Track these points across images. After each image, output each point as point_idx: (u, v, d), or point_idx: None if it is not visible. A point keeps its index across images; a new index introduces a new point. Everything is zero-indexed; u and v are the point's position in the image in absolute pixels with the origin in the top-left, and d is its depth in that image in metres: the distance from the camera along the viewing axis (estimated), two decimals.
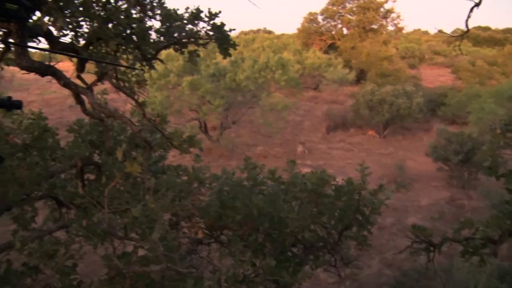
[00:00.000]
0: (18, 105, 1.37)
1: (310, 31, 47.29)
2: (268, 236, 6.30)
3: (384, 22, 45.06)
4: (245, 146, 23.53)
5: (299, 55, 38.09)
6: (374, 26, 44.34)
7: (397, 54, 42.50)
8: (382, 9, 44.21)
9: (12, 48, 4.08)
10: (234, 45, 5.20)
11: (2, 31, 4.06)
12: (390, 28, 46.09)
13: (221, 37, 5.14)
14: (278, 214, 6.03)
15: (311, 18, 47.93)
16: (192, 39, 5.33)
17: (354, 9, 44.95)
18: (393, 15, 44.70)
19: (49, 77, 4.10)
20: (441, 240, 5.50)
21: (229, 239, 6.31)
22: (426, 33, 74.56)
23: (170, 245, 4.00)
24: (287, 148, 23.80)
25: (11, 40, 3.44)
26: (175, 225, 6.01)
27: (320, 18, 47.65)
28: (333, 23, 47.33)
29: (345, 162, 21.67)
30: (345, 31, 46.48)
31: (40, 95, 29.17)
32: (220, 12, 5.30)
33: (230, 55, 5.26)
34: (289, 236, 6.14)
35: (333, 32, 46.91)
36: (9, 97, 1.36)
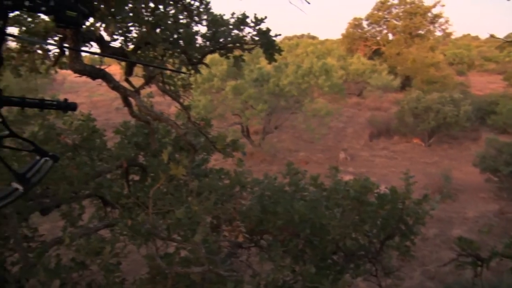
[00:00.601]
0: (73, 107, 1.42)
1: (355, 37, 46.74)
2: (308, 243, 6.25)
3: (431, 27, 43.89)
4: (287, 152, 23.48)
5: (343, 61, 37.71)
6: (421, 32, 43.27)
7: (444, 61, 41.35)
8: (429, 14, 43.09)
9: (67, 53, 4.25)
10: (279, 51, 5.22)
11: (58, 36, 4.24)
12: (438, 33, 44.88)
13: (266, 43, 5.16)
14: (320, 220, 5.97)
15: (356, 24, 47.38)
16: (238, 44, 5.38)
17: (401, 14, 44.07)
18: (441, 20, 43.52)
19: (100, 80, 4.24)
20: (490, 255, 5.28)
21: (269, 244, 6.30)
22: (476, 38, 72.09)
23: (212, 248, 4.04)
24: (329, 154, 23.57)
25: (66, 45, 3.58)
26: (216, 228, 6.06)
27: (365, 23, 47.05)
28: (378, 29, 46.60)
29: (387, 170, 21.25)
30: (390, 36, 45.65)
31: (88, 97, 30.17)
32: (266, 17, 5.33)
33: (275, 60, 5.28)
34: (330, 243, 6.07)
35: (378, 38, 46.17)
36: (66, 99, 1.41)
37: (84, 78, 4.54)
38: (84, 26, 3.97)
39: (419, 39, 42.41)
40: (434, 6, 42.77)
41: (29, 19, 4.40)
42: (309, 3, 3.72)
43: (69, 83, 31.38)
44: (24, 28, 4.24)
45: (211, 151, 6.24)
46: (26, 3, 1.29)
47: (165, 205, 3.80)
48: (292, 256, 5.90)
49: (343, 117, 29.27)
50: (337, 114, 26.29)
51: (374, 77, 35.75)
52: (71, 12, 1.36)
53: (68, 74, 5.66)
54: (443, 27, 44.27)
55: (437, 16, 43.26)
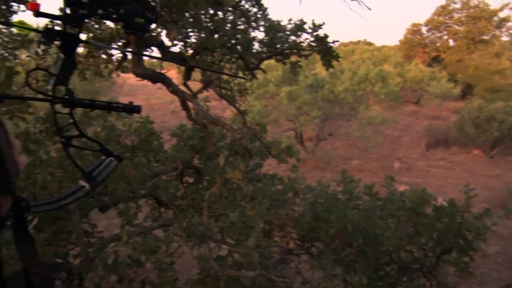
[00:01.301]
0: (137, 109, 1.47)
1: (413, 43, 45.45)
2: (361, 253, 6.13)
3: (497, 32, 41.87)
4: (340, 159, 23.17)
5: (400, 68, 36.80)
6: (485, 37, 41.40)
7: (511, 68, 39.42)
8: (495, 18, 41.12)
9: (129, 57, 4.42)
10: (337, 57, 5.18)
11: (121, 42, 4.43)
12: (505, 38, 42.75)
13: (324, 49, 5.14)
14: (373, 230, 5.85)
15: (414, 30, 46.09)
16: (295, 50, 5.39)
17: (463, 19, 42.41)
18: (509, 24, 41.39)
19: (159, 83, 4.37)
20: None
21: (320, 251, 6.24)
22: None
23: (264, 253, 4.05)
24: (383, 163, 23.04)
25: (130, 50, 3.72)
26: (268, 233, 6.07)
27: (424, 29, 45.63)
28: (438, 35, 45.04)
29: (445, 181, 20.48)
30: (451, 42, 44.05)
31: (146, 100, 31.13)
32: (323, 24, 5.31)
33: (332, 67, 5.24)
34: (384, 254, 5.93)
35: (438, 44, 44.67)
36: (131, 102, 1.46)
37: (142, 81, 4.70)
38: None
39: (483, 45, 40.59)
40: (501, 9, 40.77)
41: (96, 26, 4.63)
42: (370, 9, 3.68)
43: (128, 86, 32.52)
44: (91, 35, 4.46)
45: (265, 156, 6.27)
46: (100, 11, 1.35)
47: (219, 208, 3.85)
48: (343, 265, 5.81)
49: (399, 126, 28.52)
50: (393, 122, 25.67)
51: (433, 84, 34.58)
52: (139, 19, 1.42)
53: (127, 78, 5.90)
54: (511, 31, 42.15)
55: (505, 20, 41.16)
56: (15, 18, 3.42)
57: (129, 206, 5.90)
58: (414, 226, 6.00)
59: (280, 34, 5.58)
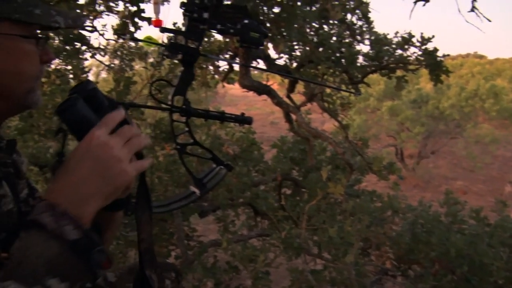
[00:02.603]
0: (249, 121, 1.52)
1: None
2: (464, 281, 5.72)
3: None
4: (443, 179, 21.91)
5: None
6: None
7: None
8: None
9: (235, 69, 4.58)
10: (447, 72, 4.93)
11: (229, 54, 4.61)
12: None
13: (433, 63, 4.92)
14: (480, 259, 5.43)
15: None
16: (401, 64, 5.23)
17: None
18: None
19: (264, 95, 4.47)
20: None
21: (417, 275, 5.93)
22: None
23: (361, 271, 3.95)
24: (492, 186, 21.38)
25: (237, 61, 3.86)
26: (364, 251, 5.91)
27: None
28: None
29: None
30: None
31: (246, 111, 31.82)
32: (433, 36, 5.09)
33: (441, 82, 5.00)
34: (492, 286, 5.48)
35: None
36: (242, 114, 1.51)
37: (243, 92, 4.83)
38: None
39: None
40: None
41: (205, 39, 4.87)
42: (490, 20, 3.46)
43: (229, 97, 33.62)
44: (200, 47, 4.68)
45: (365, 172, 6.13)
46: (218, 27, 1.43)
47: (317, 221, 3.83)
48: None
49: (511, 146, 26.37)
50: (505, 141, 23.77)
51: None
52: (254, 33, 1.47)
53: (229, 88, 6.14)
54: None
55: None
56: (138, 34, 3.72)
57: (227, 214, 6.08)
58: None
59: (386, 48, 5.45)
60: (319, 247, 3.83)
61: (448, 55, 5.22)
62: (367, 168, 5.44)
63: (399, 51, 5.43)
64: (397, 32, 5.48)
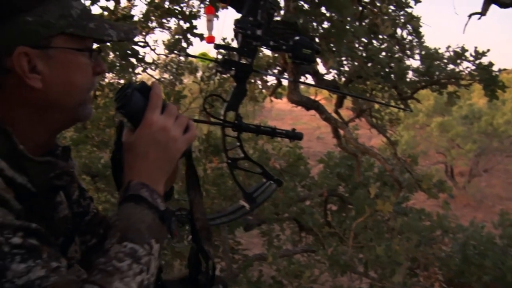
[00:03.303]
0: (300, 136, 1.52)
1: None
2: None
3: None
4: (497, 198, 20.99)
5: None
6: None
7: None
8: None
9: (284, 84, 4.61)
10: (503, 87, 4.75)
11: (277, 69, 4.65)
12: None
13: (488, 78, 4.76)
14: None
15: None
16: (453, 80, 5.09)
17: None
18: None
19: (313, 111, 4.46)
20: None
21: None
22: None
23: None
24: None
25: (286, 77, 3.88)
26: (412, 271, 5.74)
27: None
28: None
29: None
30: None
31: (292, 125, 31.49)
32: (488, 50, 4.94)
33: (497, 98, 4.82)
34: None
35: None
36: (293, 129, 1.52)
37: (289, 106, 4.84)
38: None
39: None
40: None
41: None
42: None
43: (276, 111, 33.67)
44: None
45: (414, 190, 5.98)
46: (271, 43, 1.45)
47: (364, 239, 3.76)
48: None
49: None
50: None
51: None
52: (306, 50, 1.48)
53: (276, 103, 6.22)
54: None
55: None
56: (190, 49, 3.82)
57: (272, 228, 6.06)
58: None
59: (437, 62, 5.34)
60: (366, 266, 3.75)
61: (504, 69, 5.05)
62: (416, 186, 5.30)
63: (451, 66, 5.31)
64: (449, 46, 5.37)
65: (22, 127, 0.87)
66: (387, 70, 4.98)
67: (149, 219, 0.88)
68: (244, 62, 1.44)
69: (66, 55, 0.87)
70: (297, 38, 1.45)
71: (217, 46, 1.55)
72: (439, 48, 5.47)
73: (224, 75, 1.56)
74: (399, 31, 5.31)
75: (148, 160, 0.94)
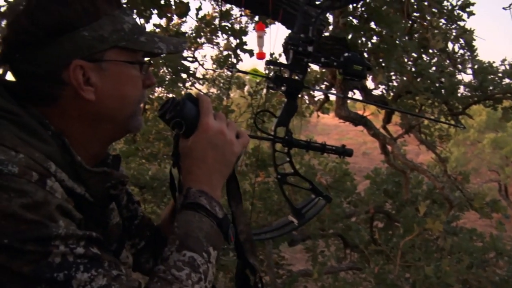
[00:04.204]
0: (350, 153, 1.51)
1: None
2: None
3: None
4: None
5: None
6: None
7: None
8: None
9: (331, 99, 4.59)
10: None
11: (324, 84, 4.64)
12: None
13: None
14: None
15: None
16: (509, 94, 4.91)
17: None
18: None
19: (360, 126, 4.42)
20: None
21: None
22: None
23: None
24: None
25: (335, 92, 3.86)
26: None
27: None
28: None
29: None
30: None
31: (338, 140, 31.54)
32: None
33: None
34: None
35: None
36: (343, 146, 1.51)
37: (335, 121, 4.80)
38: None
39: None
40: None
41: None
42: None
43: (321, 126, 33.43)
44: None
45: (465, 208, 5.77)
46: (322, 60, 1.45)
47: (412, 258, 3.66)
48: None
49: None
50: None
51: None
52: (357, 66, 1.48)
53: (321, 118, 6.20)
54: None
55: None
56: (239, 65, 3.88)
57: (317, 244, 6.00)
58: None
59: (491, 77, 5.17)
60: (413, 286, 3.64)
61: None
62: (467, 205, 5.11)
63: (506, 80, 5.12)
64: (504, 60, 5.20)
65: (76, 139, 0.90)
66: (437, 85, 4.87)
67: (207, 227, 0.91)
68: (295, 78, 1.45)
69: (118, 68, 0.91)
70: (348, 54, 1.45)
71: (269, 63, 1.57)
72: (493, 62, 5.30)
73: (273, 91, 1.57)
74: (450, 45, 5.19)
75: (206, 164, 0.97)
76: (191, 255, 0.86)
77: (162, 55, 0.99)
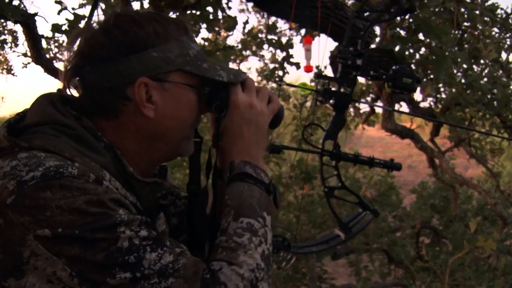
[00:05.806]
0: (398, 167, 1.49)
1: None
2: None
3: None
4: None
5: None
6: None
7: None
8: None
9: (377, 111, 4.52)
10: None
11: (370, 97, 4.58)
12: None
13: None
14: None
15: None
16: None
17: None
18: None
19: (407, 139, 4.32)
20: None
21: None
22: None
23: None
24: None
25: (380, 105, 3.81)
26: None
27: None
28: None
29: None
30: None
31: (382, 153, 30.89)
32: None
33: None
34: None
35: None
36: (392, 160, 1.49)
37: (379, 134, 4.72)
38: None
39: None
40: None
41: None
42: None
43: (365, 138, 32.88)
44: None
45: None
46: (371, 73, 1.44)
47: (463, 277, 3.52)
48: None
49: None
50: None
51: None
52: (407, 79, 1.45)
53: (366, 130, 6.14)
54: None
55: None
56: (284, 77, 3.90)
57: (360, 258, 5.89)
58: None
59: None
60: None
61: None
62: None
63: None
64: None
65: (129, 153, 0.93)
66: (489, 96, 4.70)
67: (257, 194, 0.94)
68: (343, 91, 1.44)
69: (179, 90, 0.94)
70: (397, 67, 1.43)
71: (318, 76, 1.57)
72: None
73: (321, 104, 1.56)
74: (504, 54, 5.01)
75: (243, 138, 1.00)
76: (248, 221, 0.89)
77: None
